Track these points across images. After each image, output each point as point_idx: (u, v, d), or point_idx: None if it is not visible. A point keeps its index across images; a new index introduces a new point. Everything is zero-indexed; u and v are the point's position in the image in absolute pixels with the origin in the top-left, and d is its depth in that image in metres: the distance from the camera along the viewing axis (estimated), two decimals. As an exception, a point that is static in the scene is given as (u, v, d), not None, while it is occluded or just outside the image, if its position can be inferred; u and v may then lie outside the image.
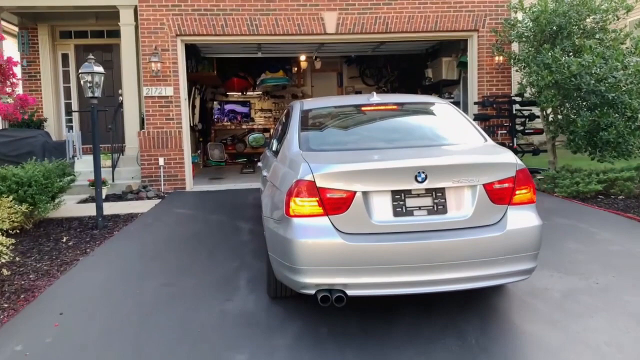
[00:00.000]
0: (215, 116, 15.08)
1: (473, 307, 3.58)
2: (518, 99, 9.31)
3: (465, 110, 10.52)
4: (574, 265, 4.36)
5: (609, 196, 7.06)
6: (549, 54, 7.49)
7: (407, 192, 3.09)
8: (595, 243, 5.03)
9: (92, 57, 6.24)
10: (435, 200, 3.10)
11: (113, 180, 9.02)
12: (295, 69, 14.97)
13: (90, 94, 6.15)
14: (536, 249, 3.19)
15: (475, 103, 9.30)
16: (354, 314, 3.50)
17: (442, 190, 3.11)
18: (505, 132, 9.33)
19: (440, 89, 11.38)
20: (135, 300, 3.95)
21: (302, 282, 3.07)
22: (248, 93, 15.26)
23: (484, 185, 3.12)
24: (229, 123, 15.07)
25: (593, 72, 7.11)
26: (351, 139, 4.00)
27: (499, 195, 3.14)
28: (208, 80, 13.50)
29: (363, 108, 4.29)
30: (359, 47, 11.98)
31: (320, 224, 3.05)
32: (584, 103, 7.68)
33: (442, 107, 4.30)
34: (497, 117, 9.32)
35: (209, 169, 13.06)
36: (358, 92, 15.38)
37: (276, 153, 4.22)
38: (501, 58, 9.12)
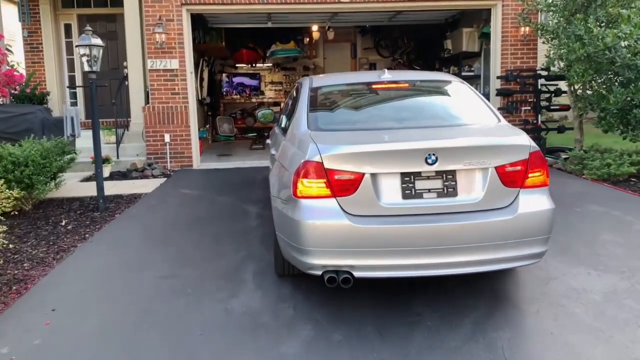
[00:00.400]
0: (224, 89, 14.62)
1: (502, 311, 3.22)
2: (544, 73, 8.74)
3: (487, 84, 9.98)
4: (612, 261, 3.96)
5: (642, 179, 6.61)
6: (582, 24, 6.92)
7: (417, 175, 3.03)
8: (634, 234, 4.61)
9: (90, 28, 5.82)
10: (446, 183, 3.04)
11: (117, 157, 8.71)
12: (307, 39, 14.39)
13: (88, 68, 5.77)
14: (547, 232, 3.12)
15: (498, 77, 8.76)
16: (370, 316, 3.17)
17: (452, 172, 3.05)
18: (529, 108, 8.80)
19: (460, 61, 10.80)
20: (132, 295, 3.65)
21: (309, 263, 3.04)
22: (258, 65, 14.74)
23: (496, 168, 3.04)
24: (238, 96, 14.62)
25: (629, 44, 6.54)
26: (361, 118, 3.91)
27: (511, 178, 3.07)
28: (216, 52, 13.01)
29: (374, 86, 4.16)
30: (374, 17, 11.37)
31: (327, 205, 3.00)
32: (617, 78, 7.14)
33: (454, 85, 4.16)
34: (521, 93, 8.78)
35: (218, 144, 12.70)
36: (372, 64, 14.83)
37: (285, 131, 4.13)
38: (527, 29, 8.53)
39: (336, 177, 2.99)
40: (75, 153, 7.10)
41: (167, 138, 8.59)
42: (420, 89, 4.29)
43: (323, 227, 3.00)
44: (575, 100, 7.97)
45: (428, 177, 3.04)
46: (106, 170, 8.05)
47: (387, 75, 4.06)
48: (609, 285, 3.55)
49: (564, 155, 8.54)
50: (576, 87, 7.94)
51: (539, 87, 8.71)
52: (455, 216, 3.02)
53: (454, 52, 11.19)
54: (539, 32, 7.98)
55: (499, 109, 8.82)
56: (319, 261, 3.01)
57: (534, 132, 8.79)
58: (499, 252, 3.01)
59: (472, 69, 10.82)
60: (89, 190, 6.66)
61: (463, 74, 10.82)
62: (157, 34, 8.34)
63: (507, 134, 3.39)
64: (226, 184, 7.30)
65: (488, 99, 9.39)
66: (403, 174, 3.03)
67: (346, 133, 3.48)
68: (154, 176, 7.99)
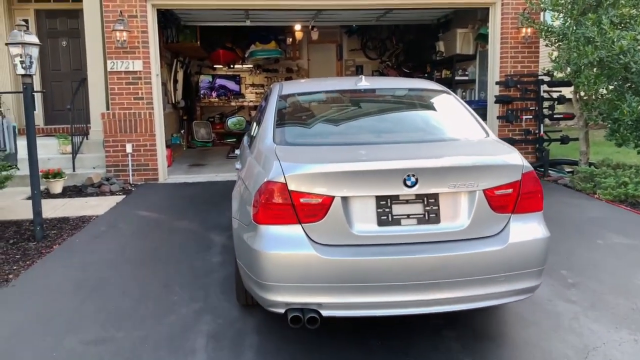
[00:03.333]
0: (202, 92, 13.68)
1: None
2: (546, 78, 7.98)
3: (483, 90, 9.22)
4: (660, 321, 3.16)
5: (663, 200, 5.85)
6: (593, 26, 6.16)
7: (394, 198, 2.69)
8: (674, 278, 3.83)
9: (23, 22, 4.85)
10: (427, 208, 2.70)
11: (74, 170, 7.74)
12: (290, 40, 13.53)
13: (22, 72, 4.81)
14: (541, 264, 2.79)
15: (497, 83, 7.97)
16: None
17: (435, 196, 2.70)
18: (530, 117, 8.03)
19: (454, 64, 10.03)
20: (42, 375, 2.75)
21: (270, 299, 2.69)
22: (238, 67, 13.84)
23: (484, 191, 2.71)
24: (217, 99, 13.70)
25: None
26: (333, 131, 3.54)
27: (502, 202, 2.74)
28: (191, 52, 12.09)
29: (350, 94, 3.83)
30: (362, 15, 10.56)
31: (291, 233, 2.65)
32: (632, 86, 6.39)
33: (438, 94, 3.77)
34: (522, 100, 8.00)
35: (192, 152, 11.76)
36: (359, 67, 14.04)
37: (251, 142, 3.73)
38: (529, 30, 7.75)
39: (302, 200, 2.63)
40: (17, 167, 6.17)
41: (129, 148, 7.65)
42: (401, 99, 3.92)
43: (286, 258, 2.64)
44: (583, 109, 7.22)
45: (407, 201, 2.70)
46: (58, 186, 7.10)
47: (365, 82, 3.67)
48: (665, 360, 2.74)
49: (567, 169, 7.80)
50: (582, 94, 7.19)
51: (542, 94, 7.93)
52: (437, 246, 2.68)
53: (447, 54, 10.42)
54: (544, 33, 7.21)
55: (498, 117, 8.05)
56: (281, 298, 2.65)
57: (536, 143, 8.02)
58: (488, 287, 2.68)
59: (467, 73, 10.06)
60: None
61: (457, 77, 10.08)
62: (117, 32, 7.40)
63: (497, 151, 3.00)
64: (193, 203, 6.39)
65: (482, 104, 8.62)
66: (378, 198, 2.68)
67: (316, 148, 3.10)
68: (112, 192, 7.05)
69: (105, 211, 5.99)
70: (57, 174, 7.06)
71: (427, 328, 3.12)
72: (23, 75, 4.85)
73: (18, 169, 6.05)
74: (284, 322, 3.17)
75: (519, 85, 7.94)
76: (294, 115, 3.68)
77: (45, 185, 7.17)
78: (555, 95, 8.04)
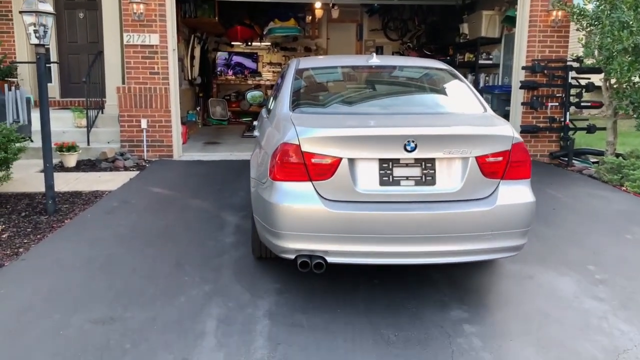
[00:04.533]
0: (218, 69, 13.52)
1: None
2: (575, 64, 7.67)
3: (508, 75, 8.92)
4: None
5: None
6: (630, 10, 5.85)
7: (395, 161, 2.98)
8: None
9: (38, -11, 4.70)
10: (424, 171, 3.00)
11: (88, 144, 7.68)
12: (309, 18, 13.25)
13: (35, 41, 4.70)
14: (527, 225, 3.06)
15: (523, 68, 7.67)
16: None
17: (432, 160, 3.00)
18: (556, 104, 7.74)
19: (478, 47, 9.70)
20: (52, 348, 2.67)
21: (282, 246, 3.01)
22: (255, 44, 13.62)
23: (477, 158, 2.99)
24: (233, 77, 13.54)
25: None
26: (343, 102, 3.88)
27: (492, 168, 3.02)
28: (209, 28, 11.89)
29: (361, 70, 4.20)
30: (384, -5, 10.25)
31: (303, 189, 2.95)
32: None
33: (443, 72, 4.07)
34: (548, 86, 7.71)
35: (208, 129, 11.66)
36: (379, 47, 13.73)
37: (269, 112, 4.02)
38: (560, 13, 7.42)
39: (313, 160, 2.92)
40: (31, 139, 6.11)
41: (143, 124, 7.55)
42: (408, 75, 4.24)
43: (298, 210, 2.94)
44: (613, 98, 6.92)
45: (406, 165, 2.98)
46: (72, 159, 7.05)
47: (375, 59, 3.98)
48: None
49: (592, 160, 7.53)
50: (613, 82, 6.89)
51: (569, 80, 7.63)
52: (432, 205, 2.97)
53: (471, 37, 10.09)
54: (575, 17, 6.89)
55: (522, 103, 7.77)
56: (292, 245, 2.96)
57: (561, 131, 7.75)
58: (476, 244, 2.96)
59: (491, 56, 9.75)
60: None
61: (480, 61, 9.77)
62: (134, 4, 7.24)
63: (491, 123, 3.29)
64: (207, 181, 6.28)
65: (506, 89, 8.34)
66: (381, 160, 2.97)
67: (327, 116, 3.48)
68: (125, 168, 6.97)
69: (118, 187, 5.91)
70: (71, 148, 6.99)
71: (447, 322, 2.98)
72: (36, 45, 4.75)
73: (32, 141, 5.99)
74: (295, 307, 3.10)
75: (545, 71, 7.64)
76: (308, 87, 3.99)
77: (59, 159, 7.13)
78: (583, 82, 7.73)
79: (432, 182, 2.99)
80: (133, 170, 6.85)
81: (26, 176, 6.28)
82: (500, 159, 3.01)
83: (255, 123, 5.21)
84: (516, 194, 3.05)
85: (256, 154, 3.75)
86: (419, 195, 2.98)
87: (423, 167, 2.98)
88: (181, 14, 10.39)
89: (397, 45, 13.77)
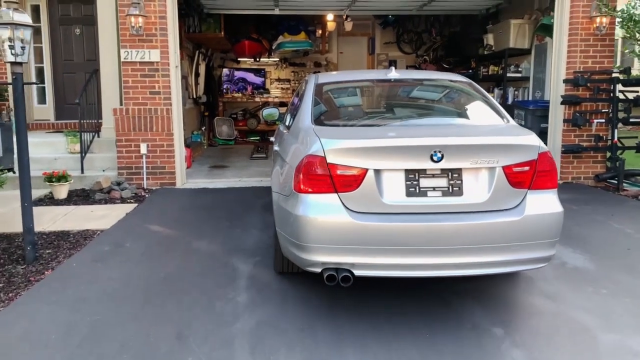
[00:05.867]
0: (224, 86, 12.83)
1: None
2: (622, 76, 6.90)
3: (539, 89, 8.16)
4: None
5: None
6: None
7: (422, 172, 2.95)
8: None
9: (13, 0, 3.99)
10: (451, 182, 2.96)
11: (82, 171, 6.94)
12: (319, 31, 12.58)
13: (11, 59, 3.96)
14: (555, 236, 3.02)
15: (565, 81, 6.90)
16: None
17: (458, 171, 2.96)
18: (602, 120, 6.95)
19: (505, 59, 8.94)
20: None
21: (308, 259, 2.96)
22: (263, 60, 12.94)
23: (503, 168, 2.96)
24: (240, 94, 12.84)
25: None
26: (366, 114, 3.93)
27: (519, 178, 2.98)
28: (214, 43, 11.22)
29: (380, 84, 4.23)
30: (402, 4, 9.55)
31: (329, 201, 2.92)
32: None
33: (463, 85, 4.04)
34: (593, 101, 6.93)
35: (214, 151, 10.93)
36: (393, 61, 12.99)
37: (289, 128, 3.96)
38: (605, 20, 6.67)
39: (339, 172, 2.92)
40: (13, 171, 5.37)
41: (143, 149, 6.81)
42: (428, 88, 4.21)
43: (324, 223, 2.91)
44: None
45: (433, 175, 2.97)
46: (63, 190, 6.30)
47: (394, 73, 3.99)
48: None
49: (645, 182, 6.71)
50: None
51: (616, 94, 6.85)
52: (460, 216, 2.93)
53: (497, 48, 9.34)
54: (627, 23, 6.13)
55: (564, 120, 6.98)
56: (318, 258, 2.93)
57: (609, 150, 6.95)
58: (504, 255, 2.93)
59: (520, 69, 8.98)
60: (36, 219, 4.80)
61: (508, 74, 9.00)
62: (132, 17, 6.55)
63: (516, 133, 3.31)
64: (213, 215, 5.50)
65: (541, 105, 7.56)
66: (407, 171, 2.96)
67: (351, 129, 3.48)
68: (122, 199, 6.21)
69: (112, 224, 5.14)
70: (62, 177, 6.25)
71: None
72: (12, 64, 4.01)
73: (14, 172, 5.24)
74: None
75: (589, 84, 6.87)
76: (329, 100, 3.96)
77: (49, 189, 6.40)
78: (630, 96, 6.94)
79: (460, 193, 2.95)
80: (130, 203, 6.08)
81: (9, 211, 5.54)
82: (527, 168, 2.98)
83: (272, 138, 5.35)
84: (544, 204, 3.01)
85: (278, 167, 3.71)
86: (446, 206, 2.94)
87: (450, 177, 2.96)
88: (185, 28, 9.74)
89: (411, 58, 13.07)
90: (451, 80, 4.20)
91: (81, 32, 9.13)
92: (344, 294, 3.45)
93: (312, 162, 2.94)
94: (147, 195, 6.45)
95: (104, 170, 6.92)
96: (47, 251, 4.39)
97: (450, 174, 2.95)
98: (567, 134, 7.04)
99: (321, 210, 2.91)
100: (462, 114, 3.85)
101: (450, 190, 2.95)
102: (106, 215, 5.46)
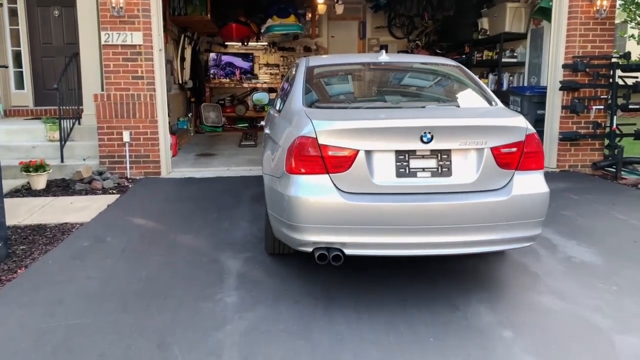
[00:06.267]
0: (211, 71, 12.47)
1: None
2: (622, 61, 6.71)
3: (535, 74, 7.98)
4: None
5: None
6: None
7: (412, 153, 2.99)
8: None
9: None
10: (440, 162, 3.01)
11: (62, 160, 6.62)
12: (309, 15, 12.23)
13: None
14: (542, 215, 3.09)
15: (564, 66, 6.70)
16: None
17: (447, 152, 3.01)
18: (601, 107, 6.77)
19: (501, 44, 8.70)
20: None
21: (300, 239, 3.01)
22: (251, 43, 12.58)
23: (491, 149, 3.01)
24: (227, 80, 12.48)
25: None
26: (357, 97, 3.97)
27: (507, 159, 3.04)
28: (201, 27, 10.84)
29: (371, 67, 4.23)
30: (395, -13, 9.25)
31: (320, 182, 2.96)
32: None
33: (452, 68, 4.09)
34: (592, 87, 6.74)
35: (201, 138, 10.62)
36: (384, 46, 12.70)
37: (280, 111, 3.98)
38: (605, 3, 6.46)
39: (330, 153, 2.94)
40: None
41: (126, 137, 6.49)
42: (418, 71, 4.24)
43: (315, 203, 2.94)
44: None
45: (423, 156, 3.00)
46: (41, 181, 5.98)
47: (384, 56, 4.01)
48: None
49: (643, 170, 6.57)
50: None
51: (616, 79, 6.66)
52: (448, 196, 2.98)
53: (492, 33, 9.10)
54: (628, 6, 5.91)
55: (563, 107, 6.79)
56: (310, 237, 2.96)
57: (607, 138, 6.78)
58: (492, 234, 2.98)
59: (515, 54, 8.76)
60: (11, 212, 4.51)
61: (504, 59, 8.77)
62: (112, -3, 6.20)
63: (504, 115, 3.36)
64: (200, 206, 5.24)
65: (538, 91, 7.36)
66: (398, 152, 2.99)
67: (342, 111, 3.48)
68: (104, 190, 5.92)
69: (92, 217, 4.85)
70: (40, 167, 5.93)
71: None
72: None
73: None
74: None
75: (588, 70, 6.67)
76: (320, 83, 4.00)
77: (26, 179, 6.08)
78: (630, 82, 6.76)
79: (449, 174, 3.00)
80: (113, 193, 5.79)
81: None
82: (514, 149, 3.03)
83: (262, 123, 5.32)
84: (531, 184, 3.06)
85: (269, 149, 3.72)
86: (435, 186, 2.99)
87: (439, 158, 2.99)
88: (169, 11, 9.36)
89: (402, 43, 12.80)
90: (440, 64, 4.28)
91: (60, 13, 8.72)
92: (342, 293, 3.23)
93: (303, 144, 2.95)
94: (130, 186, 6.15)
95: (84, 160, 6.61)
96: (22, 247, 4.10)
97: (439, 155, 2.99)
98: (565, 121, 6.85)
99: (312, 191, 2.93)
100: (452, 97, 3.87)
101: (440, 171, 2.99)
102: (86, 207, 5.17)
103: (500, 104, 3.58)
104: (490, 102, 3.58)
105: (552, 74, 6.95)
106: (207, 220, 4.77)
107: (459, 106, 3.66)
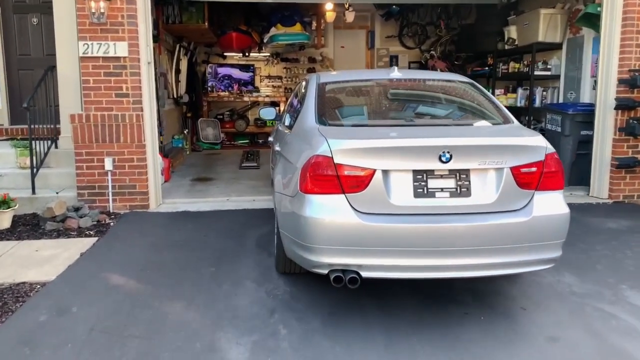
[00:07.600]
0: (209, 84, 11.54)
1: None
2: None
3: (572, 89, 7.10)
4: None
5: None
6: None
7: (430, 173, 2.93)
8: None
9: None
10: (459, 182, 2.94)
11: (33, 192, 5.65)
12: (315, 23, 11.34)
13: None
14: (562, 237, 3.02)
15: (620, 81, 5.77)
16: None
17: (466, 172, 2.94)
18: (662, 129, 5.84)
19: (533, 55, 7.78)
20: None
21: (315, 261, 2.92)
22: (252, 54, 11.68)
23: (511, 169, 2.95)
24: (226, 93, 11.56)
25: None
26: (371, 114, 3.85)
27: (526, 179, 2.98)
28: (197, 36, 9.93)
29: (384, 83, 4.12)
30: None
31: (336, 202, 2.89)
32: None
33: (465, 85, 3.97)
34: (652, 105, 5.81)
35: (198, 157, 9.68)
36: (394, 57, 11.85)
37: (290, 128, 3.85)
38: (668, 7, 5.55)
39: (346, 172, 2.87)
40: None
41: (108, 164, 5.52)
42: (432, 88, 4.16)
43: (331, 224, 2.87)
44: None
45: (441, 176, 2.93)
46: (5, 219, 5.02)
47: (397, 73, 3.95)
48: None
49: None
50: None
51: (679, 97, 5.74)
52: (468, 217, 2.91)
53: (521, 42, 8.18)
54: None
55: (619, 129, 5.86)
56: (325, 259, 2.88)
57: (669, 165, 5.85)
58: (512, 256, 2.91)
59: (549, 66, 7.84)
60: None
61: (536, 72, 7.85)
62: (92, 1, 5.25)
63: (523, 134, 3.28)
64: (194, 257, 4.25)
65: (582, 109, 6.44)
66: (415, 172, 2.93)
67: (357, 129, 3.46)
68: (80, 230, 4.94)
69: (59, 273, 3.87)
70: (3, 203, 4.96)
71: None
72: None
73: None
74: None
75: (646, 85, 5.75)
76: (332, 100, 3.89)
77: (-7, 211, 5.11)
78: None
79: (468, 194, 2.92)
80: (90, 235, 4.81)
81: None
82: (534, 169, 2.98)
83: (270, 139, 5.23)
84: (552, 204, 3.00)
85: (281, 167, 3.63)
86: (454, 207, 2.91)
87: (458, 178, 2.93)
88: (163, 19, 8.45)
89: (414, 53, 11.90)
90: (454, 81, 4.16)
91: (39, 21, 7.77)
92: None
93: (319, 163, 2.89)
94: (112, 224, 5.17)
95: (57, 193, 5.61)
96: (-43, 324, 3.12)
97: (458, 174, 2.93)
98: (619, 144, 5.92)
99: (328, 211, 2.87)
100: (467, 115, 3.80)
101: (459, 191, 2.92)
102: (54, 257, 4.19)
103: (516, 122, 3.50)
104: (506, 121, 3.49)
105: (603, 90, 6.02)
106: (202, 278, 3.78)
107: (475, 124, 3.57)
